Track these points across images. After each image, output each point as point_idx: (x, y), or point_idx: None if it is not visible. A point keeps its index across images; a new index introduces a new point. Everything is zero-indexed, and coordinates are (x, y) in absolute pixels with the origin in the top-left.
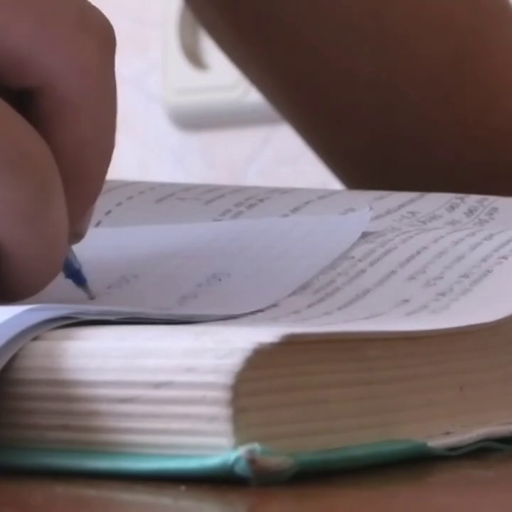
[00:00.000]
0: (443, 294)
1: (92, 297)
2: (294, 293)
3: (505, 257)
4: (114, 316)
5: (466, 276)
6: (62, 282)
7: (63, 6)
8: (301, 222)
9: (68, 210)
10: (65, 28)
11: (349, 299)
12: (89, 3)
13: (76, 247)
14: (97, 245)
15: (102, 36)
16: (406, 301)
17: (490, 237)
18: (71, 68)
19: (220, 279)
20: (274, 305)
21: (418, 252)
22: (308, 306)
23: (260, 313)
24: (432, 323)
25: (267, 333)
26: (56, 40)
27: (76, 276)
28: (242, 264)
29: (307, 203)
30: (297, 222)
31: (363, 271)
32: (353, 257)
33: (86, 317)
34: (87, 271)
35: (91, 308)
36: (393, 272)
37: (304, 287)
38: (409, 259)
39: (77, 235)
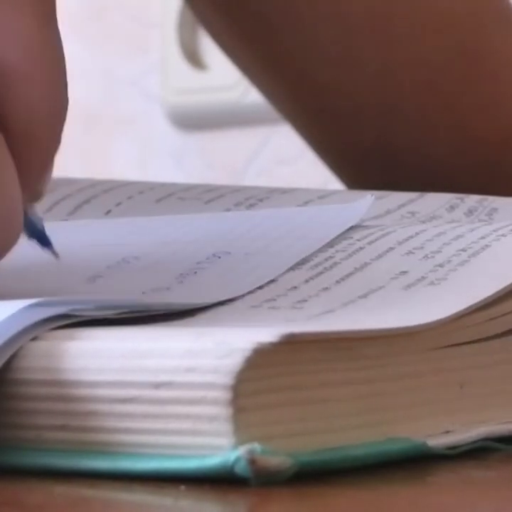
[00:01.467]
0: (441, 265)
1: (57, 256)
2: (291, 268)
3: (503, 235)
4: (114, 311)
5: (464, 250)
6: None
7: None
8: (302, 211)
9: (24, 172)
10: None
11: (347, 272)
12: None
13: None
14: (98, 233)
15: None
16: (404, 272)
17: (489, 223)
18: (8, 36)
19: (219, 257)
20: (273, 280)
21: (417, 233)
22: (306, 281)
23: (259, 291)
24: (429, 309)
25: (266, 333)
26: None
27: (39, 236)
28: (242, 244)
29: (307, 202)
30: (298, 210)
31: (361, 248)
32: (351, 237)
33: (84, 314)
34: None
35: (89, 302)
36: (391, 249)
37: (301, 263)
38: (407, 239)
39: (36, 195)
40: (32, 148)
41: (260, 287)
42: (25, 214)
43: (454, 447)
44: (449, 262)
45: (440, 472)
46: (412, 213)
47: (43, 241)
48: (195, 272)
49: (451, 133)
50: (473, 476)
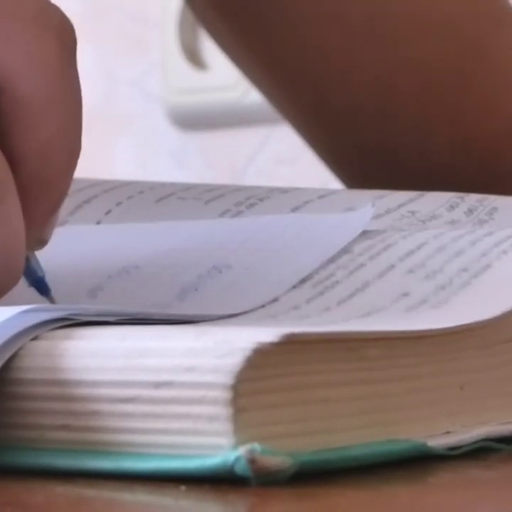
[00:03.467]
0: (442, 288)
1: (54, 303)
2: (293, 287)
3: (505, 252)
4: (113, 318)
5: (465, 270)
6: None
7: (21, 2)
8: (301, 218)
9: (30, 216)
10: (22, 24)
11: (349, 292)
12: (48, 1)
13: (74, 244)
14: (98, 240)
15: (61, 33)
16: (406, 294)
17: (490, 233)
18: (30, 65)
19: (220, 271)
20: (275, 299)
21: (418, 248)
22: (308, 301)
23: (260, 310)
24: (431, 321)
25: (267, 333)
26: (14, 36)
27: (39, 284)
28: (242, 256)
29: (307, 202)
30: (297, 218)
31: (362, 265)
32: (352, 252)
33: (84, 319)
34: (50, 279)
35: (90, 309)
36: (393, 266)
37: (303, 281)
38: (408, 254)
39: (40, 241)
40: (41, 190)
41: (262, 306)
42: (28, 260)
43: (454, 448)
44: (450, 283)
45: (441, 472)
46: (412, 212)
47: (42, 289)
48: (196, 289)
49: (450, 133)
50: (474, 476)
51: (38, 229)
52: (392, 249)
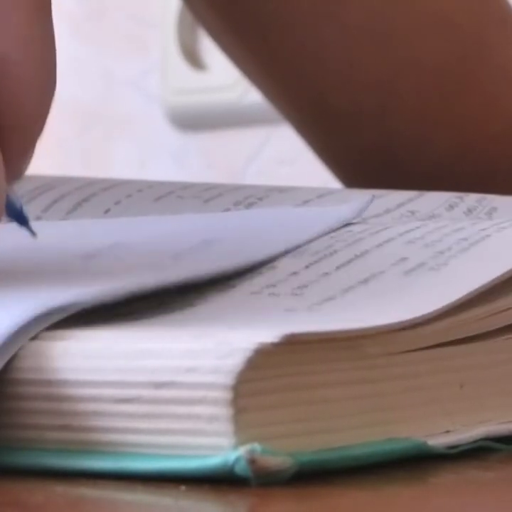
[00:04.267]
0: (441, 252)
1: (34, 235)
2: (292, 255)
3: (504, 227)
4: (111, 298)
5: (465, 239)
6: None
7: None
8: (295, 209)
9: (6, 154)
10: None
11: (347, 258)
12: None
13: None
14: (89, 230)
15: None
16: (404, 258)
17: (489, 218)
18: None
19: (211, 244)
20: (273, 266)
21: (417, 227)
22: (306, 267)
23: (259, 276)
24: (431, 287)
25: (267, 333)
26: None
27: (18, 216)
28: (235, 233)
29: (306, 201)
30: (292, 209)
31: (361, 238)
32: (351, 231)
33: (81, 306)
34: (27, 211)
35: (86, 293)
36: (392, 239)
37: (302, 251)
38: (408, 231)
39: (16, 175)
40: (18, 132)
41: (260, 273)
42: (7, 195)
43: (454, 447)
44: (449, 249)
45: (441, 472)
46: (412, 212)
47: (21, 220)
48: (191, 253)
49: (450, 133)
50: (474, 476)
51: (15, 164)
52: (392, 228)
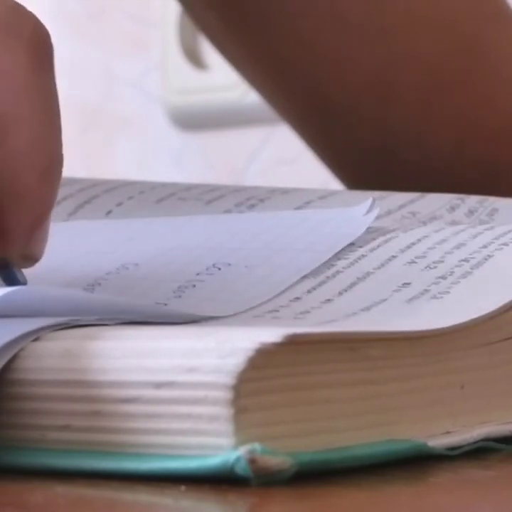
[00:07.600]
0: (443, 278)
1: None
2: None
3: (505, 244)
4: (113, 322)
5: (466, 260)
6: None
7: None
8: (304, 216)
9: (11, 232)
10: None
11: (350, 282)
12: (21, 6)
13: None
14: (99, 235)
15: (33, 41)
16: (406, 284)
17: (491, 228)
18: None
19: (219, 269)
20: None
21: (419, 240)
22: (309, 292)
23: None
24: (433, 315)
25: (269, 333)
26: None
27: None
28: (243, 255)
29: (308, 202)
30: (302, 218)
31: (363, 256)
32: (353, 244)
33: (84, 323)
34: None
35: (90, 310)
36: (393, 257)
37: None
38: (409, 246)
39: (27, 258)
40: (12, 205)
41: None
42: (9, 268)
43: (454, 448)
44: (451, 273)
45: (441, 472)
46: (413, 214)
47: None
48: (194, 285)
49: (450, 128)
50: (474, 476)
51: (21, 245)
52: (393, 241)
